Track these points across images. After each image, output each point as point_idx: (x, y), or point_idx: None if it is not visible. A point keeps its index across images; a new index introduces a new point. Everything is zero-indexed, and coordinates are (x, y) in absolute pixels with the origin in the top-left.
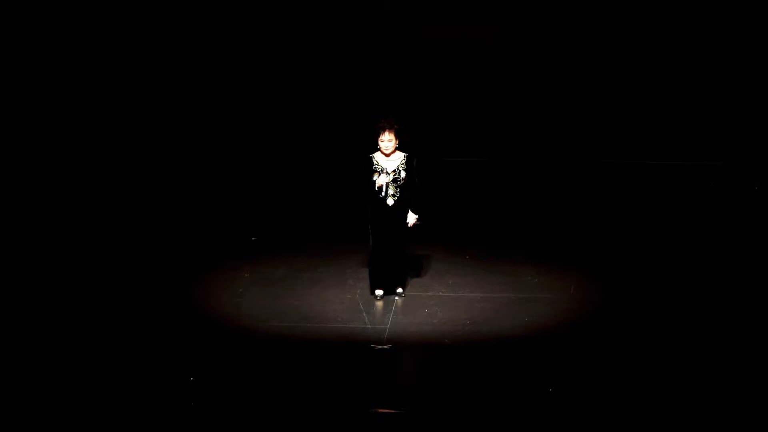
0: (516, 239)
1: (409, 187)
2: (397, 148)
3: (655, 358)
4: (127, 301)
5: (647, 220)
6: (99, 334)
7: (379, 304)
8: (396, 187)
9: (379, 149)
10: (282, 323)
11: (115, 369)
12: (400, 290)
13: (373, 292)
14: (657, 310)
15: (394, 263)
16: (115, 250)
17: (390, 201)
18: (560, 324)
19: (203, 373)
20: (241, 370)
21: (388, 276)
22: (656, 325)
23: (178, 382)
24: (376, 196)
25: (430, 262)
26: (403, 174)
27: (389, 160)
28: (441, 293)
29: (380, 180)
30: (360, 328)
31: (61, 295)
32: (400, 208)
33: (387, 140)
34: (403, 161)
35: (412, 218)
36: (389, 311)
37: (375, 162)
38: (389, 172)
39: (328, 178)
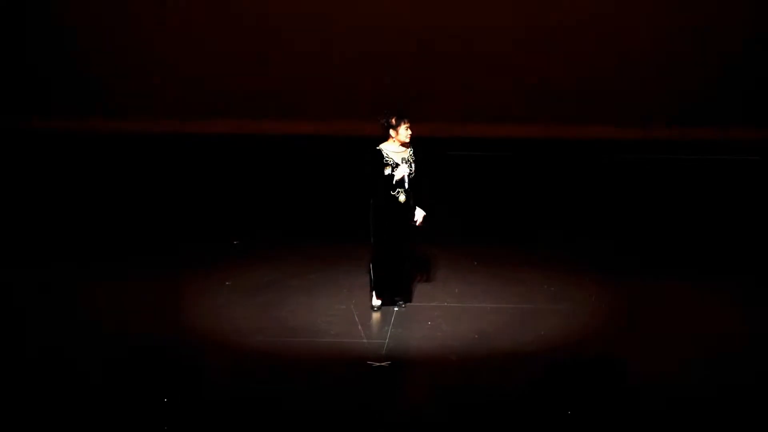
0: (529, 242)
1: (417, 182)
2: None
3: (691, 379)
4: (92, 310)
5: (670, 219)
6: (62, 350)
7: (377, 315)
8: (409, 176)
9: (393, 140)
10: (267, 337)
11: (81, 389)
12: (400, 302)
13: (371, 304)
14: (691, 322)
15: (399, 268)
16: (84, 249)
17: (402, 197)
18: (580, 338)
19: (178, 394)
20: (221, 391)
21: (391, 283)
22: (693, 342)
23: (149, 404)
24: (386, 191)
25: (434, 268)
26: (413, 167)
27: (397, 153)
28: (446, 303)
29: (400, 173)
30: (355, 343)
31: (29, 296)
32: (408, 205)
33: (409, 130)
34: (411, 153)
35: (420, 215)
36: (388, 324)
37: (385, 155)
38: (402, 162)
39: (318, 170)
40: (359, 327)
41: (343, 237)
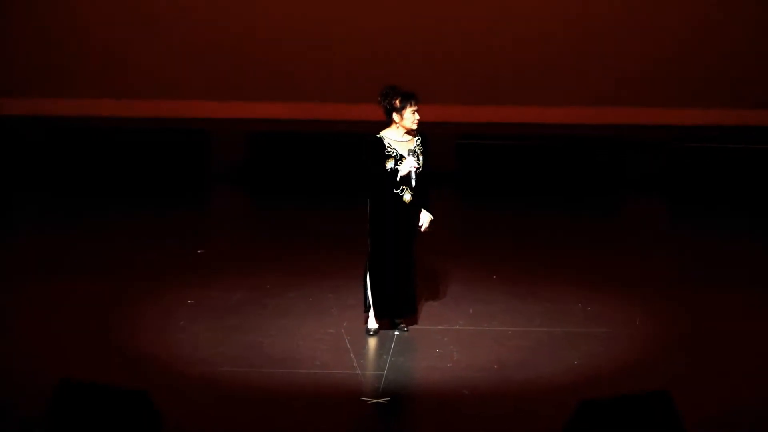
0: (559, 251)
1: (423, 178)
2: None
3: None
4: (17, 337)
5: (730, 219)
6: None
7: (373, 341)
8: (416, 171)
9: (397, 126)
10: (238, 368)
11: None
12: (402, 325)
13: (366, 327)
14: (757, 351)
15: (401, 283)
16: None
17: (408, 196)
18: (622, 370)
19: None
20: None
21: (391, 302)
22: (758, 374)
23: None
24: (388, 189)
25: (442, 282)
26: (421, 159)
27: (402, 142)
28: (458, 326)
29: (405, 167)
30: (346, 375)
31: None
32: (415, 205)
33: (417, 115)
34: (419, 143)
35: (426, 218)
36: (386, 352)
37: (387, 144)
38: (409, 153)
39: (303, 160)
40: (351, 355)
41: (332, 244)
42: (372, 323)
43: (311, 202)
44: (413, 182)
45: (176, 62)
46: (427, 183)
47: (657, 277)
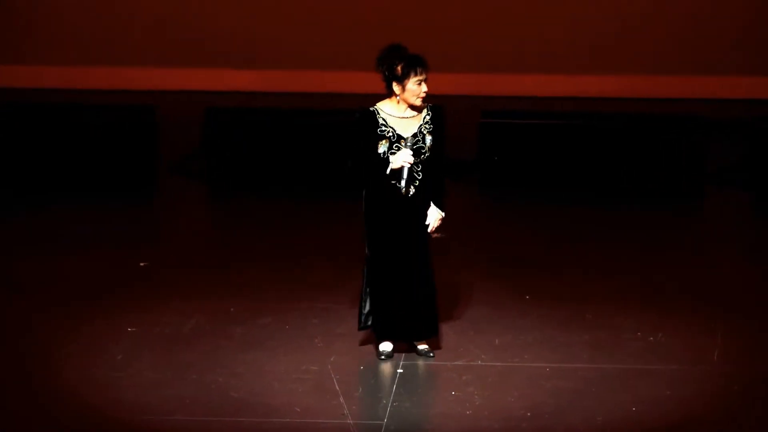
0: (612, 263)
1: (433, 164)
2: None
3: None
4: None
5: None
6: None
7: (368, 382)
8: (417, 164)
9: (398, 99)
10: (194, 417)
11: None
12: (424, 347)
13: (377, 350)
14: None
15: (414, 295)
16: None
17: (403, 189)
18: (693, 419)
19: None
20: None
21: (399, 319)
22: None
23: None
24: (382, 178)
25: (461, 303)
26: (428, 141)
27: (402, 119)
28: (480, 361)
29: (398, 159)
30: (335, 425)
31: None
32: (420, 200)
33: (424, 87)
34: (428, 119)
35: (434, 217)
36: (386, 395)
37: (381, 121)
38: (408, 140)
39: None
40: (341, 400)
41: (317, 254)
42: (384, 345)
43: (289, 198)
44: (403, 181)
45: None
46: (440, 170)
47: (742, 297)
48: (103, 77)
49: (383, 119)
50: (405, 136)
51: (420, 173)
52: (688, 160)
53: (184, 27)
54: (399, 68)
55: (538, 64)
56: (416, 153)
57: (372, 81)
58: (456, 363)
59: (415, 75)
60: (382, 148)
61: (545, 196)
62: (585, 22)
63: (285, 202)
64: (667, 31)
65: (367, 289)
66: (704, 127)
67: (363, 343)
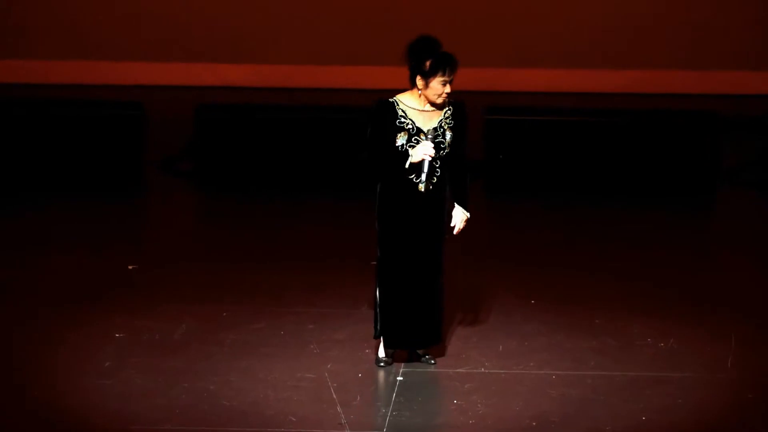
0: (621, 265)
1: (455, 161)
2: None
3: None
4: None
5: None
6: None
7: (367, 389)
8: (436, 160)
9: (420, 92)
10: (184, 427)
11: None
12: (428, 356)
13: (377, 356)
14: None
15: (423, 301)
16: None
17: (423, 185)
18: (710, 428)
19: None
20: None
21: (408, 326)
22: None
23: None
24: (399, 173)
25: (464, 307)
26: (448, 137)
27: (422, 112)
28: (483, 369)
29: (419, 152)
30: None
31: None
32: (438, 199)
33: (447, 88)
34: (449, 113)
35: (459, 218)
36: (386, 404)
37: (401, 112)
38: (429, 132)
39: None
40: (338, 409)
41: (314, 256)
42: (383, 351)
43: (282, 198)
44: (424, 175)
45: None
46: (462, 169)
47: (756, 303)
48: (89, 71)
49: (402, 111)
50: (425, 130)
51: (439, 170)
52: (701, 159)
53: (172, 20)
54: (427, 64)
55: (545, 58)
56: (435, 148)
57: (368, 76)
58: (458, 370)
59: (443, 75)
60: (401, 140)
61: (552, 196)
62: (595, 16)
63: (278, 202)
64: (680, 25)
65: (377, 294)
66: (718, 123)
67: (361, 349)
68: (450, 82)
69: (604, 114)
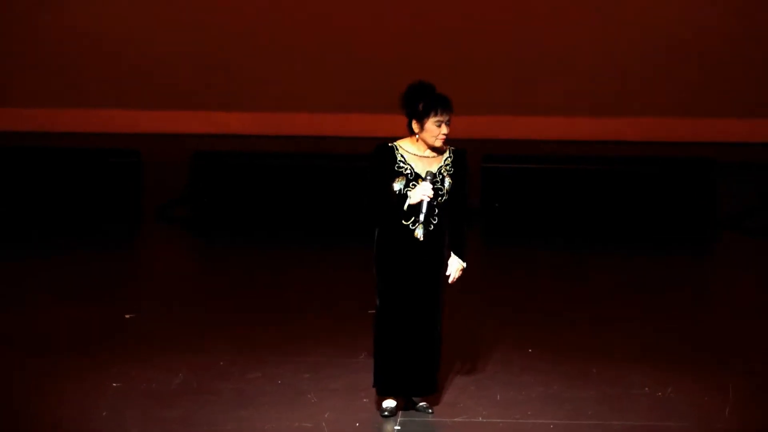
0: (620, 313)
1: (454, 209)
2: None
3: None
4: None
5: None
6: None
7: None
8: (434, 207)
9: (418, 138)
10: None
11: None
12: (424, 404)
13: (381, 407)
14: None
15: (419, 349)
16: None
17: (420, 231)
18: None
19: None
20: None
21: (403, 374)
22: None
23: None
24: (399, 217)
25: (461, 356)
26: (447, 183)
27: (422, 158)
28: (481, 418)
29: (417, 194)
30: None
31: None
32: (435, 246)
33: (446, 127)
34: (449, 161)
35: (455, 267)
36: None
37: (400, 157)
38: (427, 174)
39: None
40: None
41: (311, 305)
42: (388, 401)
43: (279, 245)
44: (422, 216)
45: (99, 62)
46: (461, 217)
47: (755, 353)
48: (86, 119)
49: (402, 156)
50: (423, 176)
51: (437, 217)
52: (699, 205)
53: (170, 69)
54: (420, 106)
55: (541, 106)
56: (434, 194)
57: (365, 123)
58: (456, 420)
59: (435, 115)
60: (398, 185)
61: (549, 243)
62: (593, 65)
63: (275, 249)
64: (678, 74)
65: (374, 342)
66: (716, 170)
67: (359, 398)
68: (447, 123)
69: (602, 161)
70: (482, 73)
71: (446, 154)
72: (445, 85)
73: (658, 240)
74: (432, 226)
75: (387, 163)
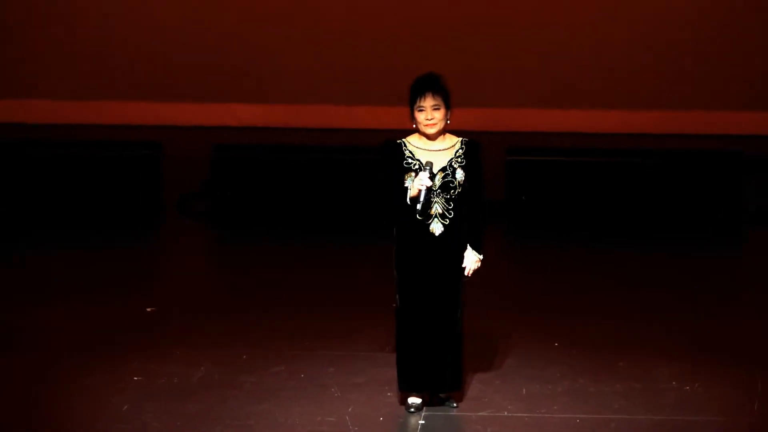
0: (646, 307)
1: (469, 202)
2: (446, 131)
3: None
4: None
5: None
6: None
7: None
8: (447, 200)
9: (417, 130)
10: None
11: None
12: (450, 400)
13: (404, 402)
14: None
15: (440, 345)
16: None
17: (436, 226)
18: None
19: None
20: None
21: (424, 369)
22: None
23: None
24: (411, 215)
25: (486, 351)
26: (459, 176)
27: (431, 152)
28: (506, 412)
29: (415, 184)
30: None
31: None
32: (452, 241)
33: (430, 112)
34: (460, 152)
35: (471, 260)
36: None
37: (408, 153)
38: (426, 165)
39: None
40: None
41: (334, 299)
42: (412, 397)
43: (301, 239)
44: (419, 205)
45: (120, 54)
46: (476, 209)
47: None
48: (108, 112)
49: (410, 152)
50: (431, 168)
51: (452, 211)
52: (726, 200)
53: (191, 61)
54: (409, 96)
55: (566, 98)
56: (445, 188)
57: (387, 115)
58: (480, 414)
59: (416, 102)
60: (408, 182)
61: (575, 238)
62: (619, 56)
63: (297, 243)
64: (705, 66)
65: (396, 339)
66: (744, 164)
67: (382, 392)
68: (434, 108)
69: (628, 154)
70: (504, 65)
71: (457, 146)
72: (465, 76)
73: (684, 234)
74: (448, 221)
75: (395, 160)
